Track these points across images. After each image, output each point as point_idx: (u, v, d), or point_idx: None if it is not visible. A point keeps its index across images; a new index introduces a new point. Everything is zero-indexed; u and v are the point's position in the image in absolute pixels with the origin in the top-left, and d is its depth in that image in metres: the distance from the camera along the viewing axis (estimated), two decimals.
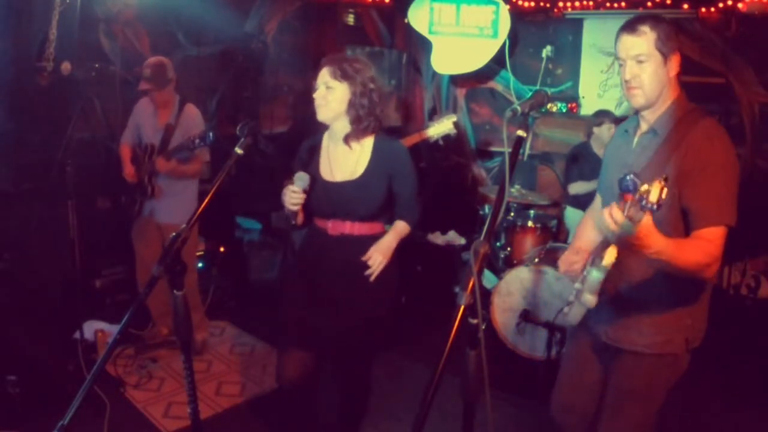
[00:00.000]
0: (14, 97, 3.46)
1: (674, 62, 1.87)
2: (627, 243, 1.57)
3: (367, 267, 2.31)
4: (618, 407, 2.03)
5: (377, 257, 2.31)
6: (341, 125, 2.33)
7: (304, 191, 2.24)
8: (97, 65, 4.11)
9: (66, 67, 3.56)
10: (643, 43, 1.84)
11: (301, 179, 2.23)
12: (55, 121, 3.60)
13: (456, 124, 3.24)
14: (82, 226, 3.30)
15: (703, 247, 1.73)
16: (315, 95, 2.29)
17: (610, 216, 1.50)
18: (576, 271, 2.03)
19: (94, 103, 4.13)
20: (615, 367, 2.03)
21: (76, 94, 3.83)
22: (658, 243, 1.58)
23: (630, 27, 1.86)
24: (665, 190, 1.38)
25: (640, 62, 1.85)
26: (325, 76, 2.28)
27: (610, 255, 1.70)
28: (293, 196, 2.22)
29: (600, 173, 2.21)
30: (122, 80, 4.23)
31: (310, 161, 2.41)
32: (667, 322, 1.93)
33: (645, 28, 1.84)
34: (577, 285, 1.99)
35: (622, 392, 2.02)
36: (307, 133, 2.41)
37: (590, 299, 1.83)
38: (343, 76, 2.26)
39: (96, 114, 4.15)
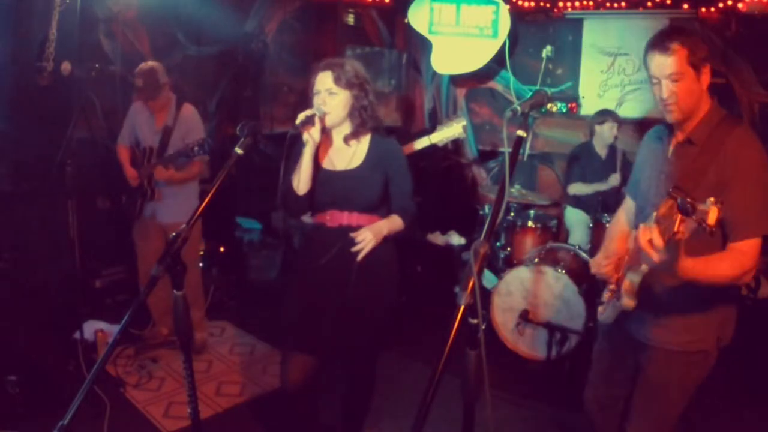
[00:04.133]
0: (14, 97, 3.46)
1: (706, 73, 1.86)
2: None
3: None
4: (649, 402, 2.07)
5: (367, 234, 2.29)
6: (344, 126, 2.36)
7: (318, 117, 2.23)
8: (97, 65, 4.11)
9: (66, 67, 3.56)
10: (676, 61, 1.81)
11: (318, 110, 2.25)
12: (55, 121, 3.60)
13: (464, 128, 3.18)
14: (82, 226, 3.30)
15: (737, 261, 1.76)
16: (316, 100, 2.28)
17: (649, 242, 1.52)
18: (606, 273, 2.07)
19: (94, 103, 4.13)
20: (647, 363, 2.06)
21: (76, 94, 3.82)
22: (686, 267, 1.66)
23: (661, 45, 1.82)
24: (720, 212, 1.38)
25: (675, 81, 1.83)
26: (327, 81, 2.27)
27: None
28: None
29: (632, 175, 2.22)
30: (122, 80, 4.23)
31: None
32: (700, 321, 1.97)
33: (676, 46, 1.80)
34: (611, 287, 2.07)
35: (654, 388, 2.05)
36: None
37: (629, 302, 1.90)
38: (347, 83, 2.28)
39: (96, 114, 4.15)
